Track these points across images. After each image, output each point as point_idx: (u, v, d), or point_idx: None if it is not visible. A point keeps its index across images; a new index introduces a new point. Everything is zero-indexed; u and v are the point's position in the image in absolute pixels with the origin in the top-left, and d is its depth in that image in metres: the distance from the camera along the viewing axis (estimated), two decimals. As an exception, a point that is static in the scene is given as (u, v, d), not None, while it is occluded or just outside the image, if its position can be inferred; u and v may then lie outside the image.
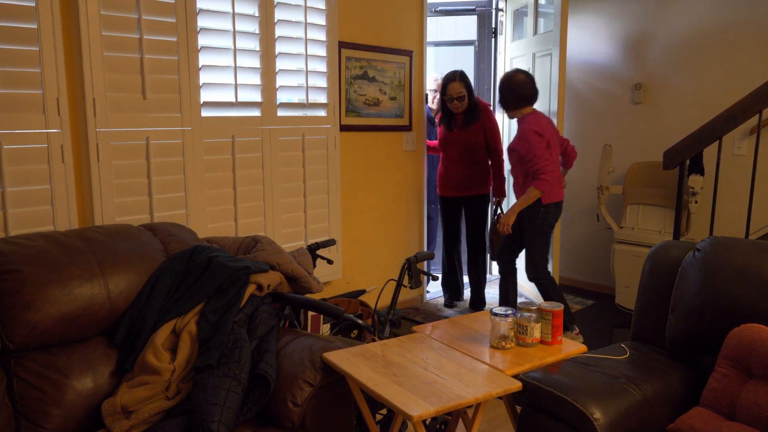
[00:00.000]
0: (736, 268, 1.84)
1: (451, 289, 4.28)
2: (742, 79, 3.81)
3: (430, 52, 4.28)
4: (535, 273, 3.51)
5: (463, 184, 4.01)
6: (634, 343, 2.12)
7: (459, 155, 3.98)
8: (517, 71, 3.51)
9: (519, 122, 3.47)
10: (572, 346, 2.00)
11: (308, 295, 2.36)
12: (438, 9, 4.67)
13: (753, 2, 3.79)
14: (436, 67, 4.74)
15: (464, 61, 4.67)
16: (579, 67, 4.66)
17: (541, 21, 4.22)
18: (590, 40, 4.60)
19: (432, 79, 4.53)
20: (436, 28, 4.88)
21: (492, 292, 4.42)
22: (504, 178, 4.02)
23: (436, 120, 4.31)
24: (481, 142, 3.93)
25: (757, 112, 3.01)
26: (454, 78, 3.88)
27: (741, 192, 3.84)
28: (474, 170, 3.99)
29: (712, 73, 4.01)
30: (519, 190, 3.57)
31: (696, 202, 3.79)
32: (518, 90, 3.45)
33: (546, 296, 3.56)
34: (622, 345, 2.05)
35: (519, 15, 4.58)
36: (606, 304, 4.30)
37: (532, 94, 3.46)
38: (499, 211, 4.03)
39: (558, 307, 1.99)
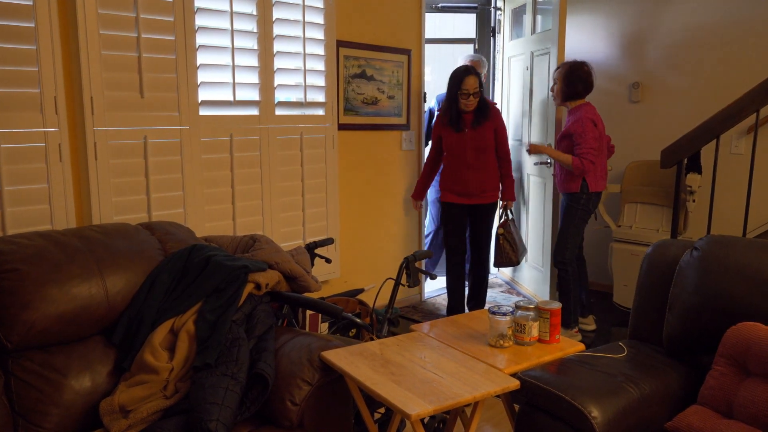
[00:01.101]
0: (733, 266, 1.84)
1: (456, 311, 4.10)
2: (740, 77, 3.82)
3: (429, 50, 4.27)
4: (563, 257, 3.56)
5: (475, 190, 3.68)
6: (632, 341, 2.12)
7: (471, 158, 3.65)
8: (583, 62, 3.55)
9: (574, 111, 3.53)
10: (570, 345, 2.00)
11: (306, 294, 2.36)
12: (439, 6, 4.67)
13: (749, 1, 3.80)
14: (435, 66, 4.73)
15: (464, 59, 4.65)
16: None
17: (539, 20, 4.22)
18: (588, 39, 4.60)
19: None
20: (435, 25, 4.88)
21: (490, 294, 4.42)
22: (513, 180, 3.80)
23: (440, 118, 3.82)
24: (492, 143, 3.66)
25: (755, 111, 3.02)
26: (470, 72, 3.58)
27: (738, 191, 3.84)
28: (487, 174, 3.68)
29: (710, 71, 4.01)
30: (561, 185, 3.63)
31: (693, 201, 3.80)
32: (588, 79, 3.53)
33: (561, 285, 3.60)
34: (620, 343, 2.05)
35: (517, 14, 4.58)
36: (604, 303, 4.31)
37: (593, 86, 3.58)
38: (507, 216, 3.85)
39: (556, 305, 2.00)
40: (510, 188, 3.78)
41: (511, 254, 3.86)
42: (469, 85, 3.55)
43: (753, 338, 1.65)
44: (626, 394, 1.73)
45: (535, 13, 4.28)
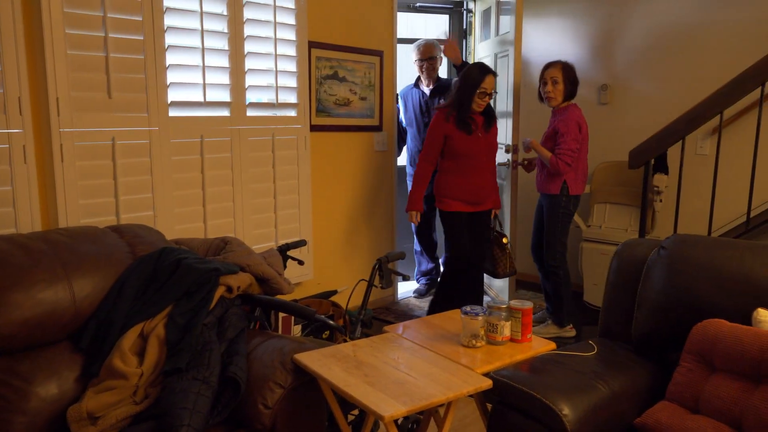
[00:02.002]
0: (699, 265, 1.88)
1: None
2: (705, 80, 3.90)
3: (401, 50, 4.28)
4: (554, 260, 3.58)
5: (485, 196, 3.51)
6: (602, 339, 2.16)
7: (483, 163, 3.45)
8: (570, 63, 3.58)
9: (562, 111, 3.53)
10: (541, 344, 2.02)
11: (279, 297, 2.35)
12: (416, 5, 4.69)
13: (714, 6, 3.89)
14: (407, 66, 4.74)
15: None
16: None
17: (504, 20, 4.25)
18: (557, 42, 4.66)
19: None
20: (407, 26, 4.89)
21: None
22: (498, 187, 3.71)
23: (442, 119, 3.44)
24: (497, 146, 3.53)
25: (719, 113, 3.09)
26: (489, 70, 3.37)
27: (704, 190, 3.93)
28: (492, 180, 3.55)
29: (676, 74, 4.09)
30: (541, 185, 3.63)
31: (661, 201, 3.87)
32: (576, 80, 3.57)
33: (554, 288, 3.64)
34: (590, 342, 2.08)
35: (486, 15, 4.62)
36: (575, 302, 4.36)
37: None
38: (497, 224, 3.72)
39: (528, 305, 2.02)
40: (498, 195, 3.69)
41: (514, 262, 3.74)
42: (489, 84, 3.34)
43: (718, 335, 1.69)
44: (596, 391, 1.75)
45: (498, 15, 4.33)
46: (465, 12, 4.83)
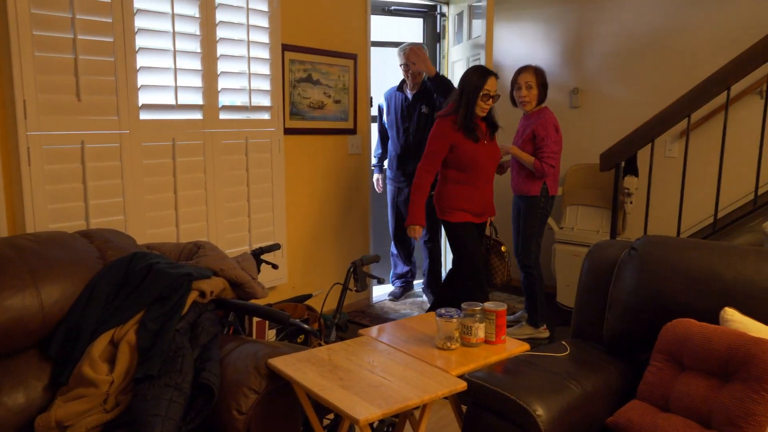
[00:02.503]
0: (668, 265, 1.91)
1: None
2: (673, 84, 3.98)
3: (375, 53, 4.29)
4: (528, 260, 3.61)
5: (488, 207, 3.43)
6: (575, 340, 2.18)
7: (488, 173, 3.35)
8: (541, 68, 3.61)
9: (536, 115, 3.55)
10: (515, 345, 2.04)
11: (253, 301, 2.33)
12: (391, 9, 4.69)
13: (682, 11, 3.97)
14: (381, 69, 4.75)
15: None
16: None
17: (477, 24, 4.29)
18: (529, 46, 4.71)
19: (400, 51, 4.11)
20: (381, 29, 4.89)
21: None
22: None
23: (449, 125, 3.23)
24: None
25: (686, 116, 3.15)
26: (490, 72, 3.26)
27: (673, 192, 4.00)
28: (491, 188, 3.45)
29: (645, 78, 4.17)
30: (518, 187, 3.64)
31: (631, 203, 3.93)
32: (547, 84, 3.60)
33: (528, 288, 3.66)
34: (563, 342, 2.10)
35: (459, 19, 4.66)
36: (548, 303, 4.40)
37: None
38: (493, 232, 3.65)
39: (501, 307, 2.03)
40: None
41: (510, 270, 3.64)
42: (492, 86, 3.21)
43: (687, 334, 1.72)
44: (569, 391, 1.77)
45: (471, 19, 4.36)
46: (438, 15, 4.85)
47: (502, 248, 3.52)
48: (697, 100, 3.08)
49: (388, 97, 4.30)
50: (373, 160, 4.48)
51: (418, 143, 4.03)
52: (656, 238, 2.06)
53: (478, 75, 3.22)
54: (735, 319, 1.71)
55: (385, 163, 4.48)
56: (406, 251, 4.52)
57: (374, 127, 4.46)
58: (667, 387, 1.72)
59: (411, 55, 3.99)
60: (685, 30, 3.96)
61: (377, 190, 4.55)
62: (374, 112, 4.40)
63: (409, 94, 4.14)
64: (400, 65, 4.12)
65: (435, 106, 4.01)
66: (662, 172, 4.04)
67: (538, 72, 3.56)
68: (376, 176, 4.55)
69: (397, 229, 4.41)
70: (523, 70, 3.59)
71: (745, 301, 1.75)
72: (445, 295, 3.50)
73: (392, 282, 4.64)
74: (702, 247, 1.93)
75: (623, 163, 3.51)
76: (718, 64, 3.13)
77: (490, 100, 3.22)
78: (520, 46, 4.78)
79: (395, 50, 4.18)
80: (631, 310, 1.96)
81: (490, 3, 3.90)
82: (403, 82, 4.21)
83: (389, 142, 4.32)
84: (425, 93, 4.10)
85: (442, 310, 2.00)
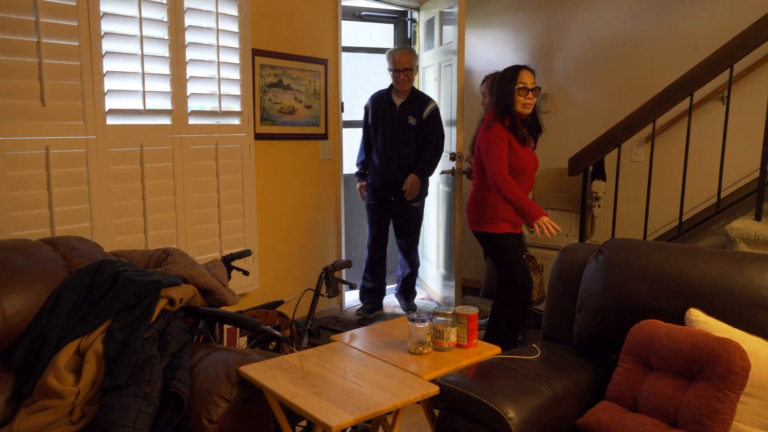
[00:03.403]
0: (635, 267, 1.95)
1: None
2: (640, 89, 4.05)
3: (346, 59, 4.29)
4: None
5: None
6: (546, 342, 2.20)
7: (530, 180, 3.11)
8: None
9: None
10: (487, 349, 2.05)
11: (223, 308, 2.31)
12: (360, 14, 4.70)
13: (648, 18, 4.06)
14: (352, 75, 4.75)
15: (382, 69, 4.70)
16: (489, 77, 4.77)
17: (448, 31, 4.32)
18: (499, 52, 4.76)
19: (389, 56, 3.95)
20: (352, 35, 4.90)
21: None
22: None
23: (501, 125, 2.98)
24: None
25: (651, 122, 3.22)
26: (523, 65, 3.05)
27: (639, 196, 4.07)
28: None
29: (613, 83, 4.24)
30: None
31: (599, 206, 3.99)
32: None
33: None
34: (534, 345, 2.12)
35: (430, 25, 4.69)
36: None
37: None
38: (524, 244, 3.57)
39: (473, 311, 2.04)
40: None
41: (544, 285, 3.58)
42: (527, 78, 2.96)
43: (654, 335, 1.75)
44: (540, 393, 1.79)
45: (441, 25, 4.40)
46: (409, 21, 4.88)
47: (538, 261, 3.48)
48: (661, 105, 3.14)
49: (375, 101, 4.08)
50: (355, 168, 4.24)
51: (402, 156, 3.94)
52: (623, 241, 2.09)
53: (510, 70, 3.03)
54: (700, 319, 1.75)
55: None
56: (380, 264, 4.23)
57: (356, 132, 4.44)
58: (635, 387, 1.75)
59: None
60: (650, 37, 4.05)
61: (361, 198, 4.24)
62: (359, 115, 4.30)
63: (397, 101, 3.98)
64: (389, 71, 3.95)
65: (423, 120, 3.91)
66: (629, 176, 4.11)
67: (484, 81, 3.74)
68: (359, 184, 4.22)
69: (375, 245, 4.17)
70: (485, 80, 3.77)
71: (710, 302, 1.79)
72: (502, 317, 3.21)
73: (361, 298, 4.32)
74: (668, 250, 1.97)
75: (591, 168, 3.56)
76: (683, 70, 3.20)
77: (530, 93, 2.95)
78: (490, 52, 4.83)
79: (366, 56, 4.19)
80: (600, 312, 1.99)
81: (462, 9, 3.93)
82: (391, 87, 4.03)
83: (374, 148, 4.08)
84: (414, 103, 3.96)
85: (414, 315, 2.00)
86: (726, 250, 2.02)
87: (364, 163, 4.19)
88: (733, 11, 3.67)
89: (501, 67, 3.98)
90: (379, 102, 4.06)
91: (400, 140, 3.96)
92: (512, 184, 2.85)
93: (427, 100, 4.00)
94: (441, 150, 4.02)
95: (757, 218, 2.90)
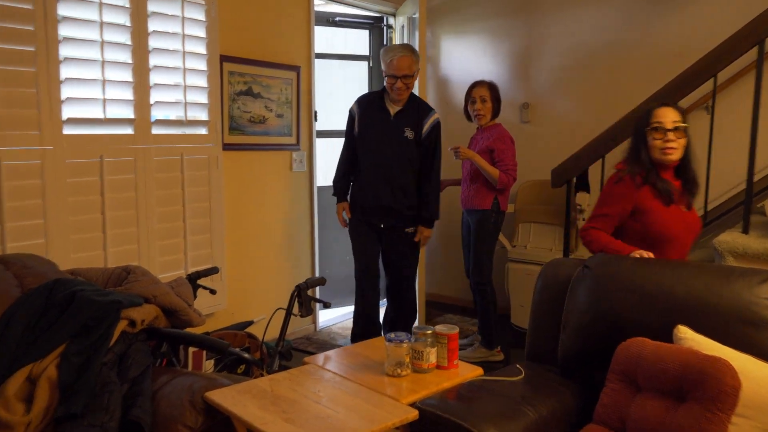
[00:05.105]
0: (621, 283, 1.96)
1: None
2: (623, 98, 4.10)
3: (319, 65, 4.29)
4: (481, 277, 3.68)
5: None
6: (529, 362, 2.20)
7: (684, 250, 2.40)
8: (494, 83, 3.77)
9: (490, 129, 3.72)
10: (468, 370, 2.04)
11: (189, 330, 2.27)
12: (335, 20, 4.71)
13: (631, 25, 4.13)
14: (326, 83, 4.75)
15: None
16: (466, 87, 4.74)
17: (418, 37, 4.34)
18: (477, 60, 4.80)
19: (385, 56, 3.44)
20: (326, 41, 4.91)
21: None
22: None
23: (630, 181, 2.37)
24: None
25: (636, 132, 3.26)
26: (663, 102, 2.48)
27: (624, 209, 4.12)
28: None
29: (595, 92, 4.30)
30: (469, 201, 3.71)
31: (584, 219, 4.03)
32: (500, 99, 3.77)
33: (482, 306, 3.72)
34: (518, 365, 2.12)
35: (404, 31, 4.72)
36: (502, 324, 4.45)
37: None
38: None
39: (453, 330, 2.03)
40: None
41: None
42: (665, 117, 2.34)
43: (641, 353, 1.76)
44: (524, 417, 1.78)
45: (411, 30, 4.46)
46: (385, 27, 4.90)
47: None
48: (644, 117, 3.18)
49: (364, 106, 3.58)
50: (332, 182, 3.69)
51: (396, 176, 3.47)
52: (609, 255, 2.11)
53: (645, 108, 2.53)
54: (688, 336, 1.76)
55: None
56: (374, 311, 3.70)
57: (331, 143, 4.41)
58: (623, 409, 1.75)
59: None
60: (633, 45, 4.12)
61: (342, 224, 3.69)
62: (333, 124, 4.15)
63: (391, 109, 3.50)
64: (384, 74, 3.43)
65: (422, 137, 3.47)
66: (613, 188, 4.15)
67: (492, 87, 3.73)
68: (340, 206, 3.65)
69: (366, 278, 3.63)
70: (477, 84, 3.76)
71: (698, 318, 1.80)
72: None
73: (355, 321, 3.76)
74: (654, 264, 1.99)
75: (575, 180, 3.60)
76: (666, 78, 3.26)
77: (668, 135, 2.31)
78: (467, 60, 4.86)
79: (341, 63, 4.17)
80: (585, 330, 1.99)
81: (422, 14, 3.98)
82: (384, 90, 3.54)
83: (362, 161, 3.57)
84: (412, 113, 3.50)
85: (392, 335, 1.99)
86: (714, 264, 2.05)
87: (345, 178, 3.65)
88: (717, 19, 3.76)
89: (479, 75, 4.04)
90: (369, 107, 3.56)
91: (394, 156, 3.47)
92: (599, 235, 2.36)
93: (428, 110, 3.53)
94: (434, 199, 3.57)
95: (745, 231, 2.94)
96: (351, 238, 3.66)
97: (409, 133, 3.47)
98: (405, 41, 4.56)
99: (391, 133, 3.48)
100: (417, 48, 3.86)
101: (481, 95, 3.69)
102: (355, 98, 3.66)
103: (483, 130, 3.74)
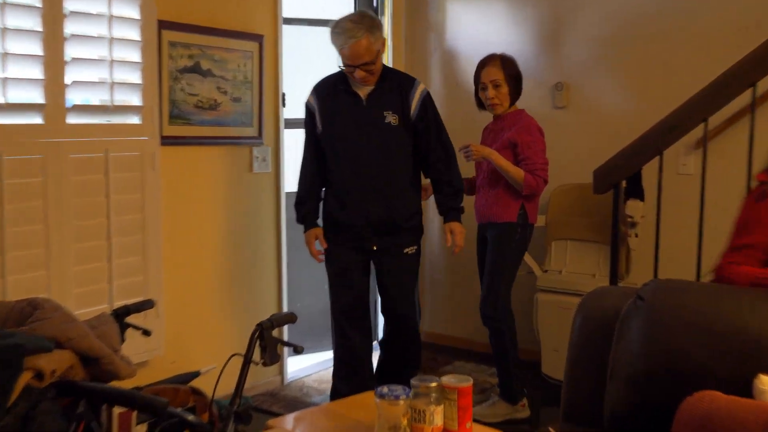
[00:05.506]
0: (686, 319, 1.96)
1: None
2: (686, 77, 4.12)
3: (288, 34, 4.28)
4: (495, 310, 3.67)
5: None
6: (567, 425, 2.20)
7: None
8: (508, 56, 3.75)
9: (511, 118, 3.74)
10: (486, 435, 2.04)
11: (114, 383, 2.27)
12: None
13: (692, -17, 4.16)
14: (297, 56, 4.76)
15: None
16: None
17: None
18: (495, 30, 4.80)
19: (335, 37, 3.39)
20: (298, 3, 4.91)
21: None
22: None
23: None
24: None
25: (702, 120, 3.27)
26: None
27: (691, 220, 4.12)
28: None
29: (650, 70, 4.31)
30: (488, 211, 3.73)
31: (636, 235, 4.03)
32: (519, 75, 3.75)
33: (498, 348, 3.72)
34: (551, 429, 2.12)
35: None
36: (529, 374, 4.43)
37: None
38: None
39: (465, 382, 2.03)
40: None
41: None
42: None
43: (712, 411, 1.76)
44: (560, 497, 1.78)
45: None
46: (376, -16, 4.94)
47: None
48: (715, 99, 3.20)
49: (324, 94, 3.60)
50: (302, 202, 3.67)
51: (383, 177, 3.49)
52: (670, 283, 2.11)
53: None
54: (773, 389, 1.77)
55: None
56: (367, 363, 3.78)
57: (302, 135, 4.43)
58: (689, 485, 1.75)
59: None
60: (698, 9, 4.14)
61: (316, 258, 3.68)
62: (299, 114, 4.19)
63: (362, 92, 3.50)
64: (340, 66, 3.46)
65: (412, 115, 3.48)
66: (675, 193, 4.15)
67: (505, 62, 3.69)
68: (311, 233, 3.64)
69: (350, 322, 3.66)
70: (485, 63, 3.72)
71: (786, 366, 1.81)
72: None
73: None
74: (730, 295, 1.99)
75: (624, 183, 3.61)
76: (742, 52, 3.28)
77: None
78: (481, 28, 4.88)
79: (316, 30, 4.16)
80: (639, 380, 1.99)
81: None
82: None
83: (330, 168, 3.61)
84: (390, 90, 3.51)
85: (385, 389, 1.98)
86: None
87: (313, 197, 3.67)
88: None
89: (496, 47, 4.04)
90: (331, 95, 3.57)
91: (377, 152, 3.48)
92: (746, 273, 2.24)
93: (410, 82, 3.55)
94: (461, 186, 3.68)
95: None
96: (330, 272, 3.68)
97: (391, 118, 3.47)
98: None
99: (368, 123, 3.48)
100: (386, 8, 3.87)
101: (492, 79, 3.66)
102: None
103: (501, 119, 3.75)
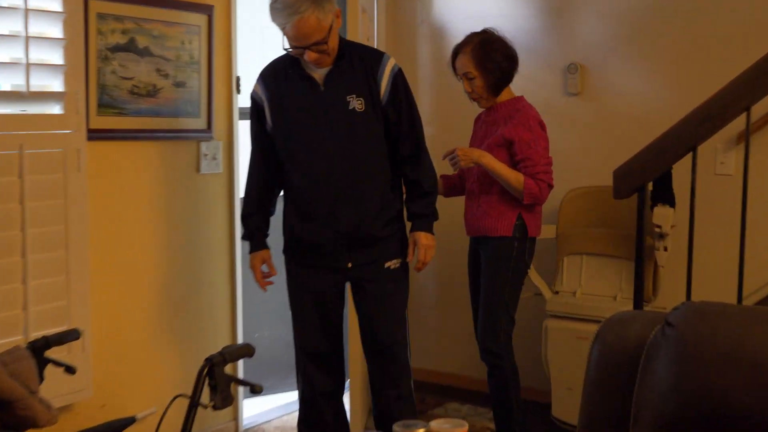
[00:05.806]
0: (722, 348, 1.99)
1: None
2: (723, 60, 4.16)
3: (244, 4, 4.29)
4: (494, 343, 3.71)
5: None
6: (581, 477, 2.23)
7: None
8: (495, 31, 3.77)
9: (504, 109, 3.75)
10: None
11: None
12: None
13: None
14: (254, 31, 4.77)
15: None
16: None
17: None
18: (491, 2, 4.84)
19: (276, 16, 3.32)
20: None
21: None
22: None
23: None
24: None
25: (744, 110, 3.30)
26: None
27: (731, 230, 4.16)
28: None
29: (681, 50, 4.35)
30: (481, 223, 3.75)
31: (666, 249, 4.05)
32: (504, 54, 3.74)
33: (497, 390, 3.76)
34: (563, 483, 2.15)
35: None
36: (537, 418, 4.45)
37: None
38: None
39: (460, 427, 2.05)
40: None
41: None
42: None
43: (756, 460, 1.79)
44: None
45: None
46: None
47: None
48: (760, 84, 3.23)
49: (272, 81, 3.57)
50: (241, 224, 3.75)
51: (354, 176, 3.47)
52: (704, 306, 2.14)
53: None
54: (827, 433, 1.80)
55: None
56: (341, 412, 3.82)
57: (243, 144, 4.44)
58: None
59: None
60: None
61: (261, 286, 3.73)
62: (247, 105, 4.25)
63: (317, 75, 3.46)
64: (287, 49, 3.45)
65: (382, 96, 3.45)
66: (712, 198, 4.19)
67: (476, 50, 3.68)
68: (257, 256, 3.67)
69: (321, 364, 3.67)
70: (458, 49, 3.77)
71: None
72: None
73: None
74: (772, 320, 2.02)
75: (651, 186, 3.63)
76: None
77: None
78: (480, 2, 4.91)
79: None
80: (668, 422, 2.02)
81: None
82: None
83: (285, 171, 3.60)
84: (352, 69, 3.47)
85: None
86: None
87: (261, 209, 3.69)
88: None
89: (494, 21, 4.04)
90: (281, 82, 3.54)
91: (342, 147, 3.47)
92: None
93: (377, 57, 3.54)
94: (433, 187, 3.65)
95: None
96: (292, 303, 3.69)
97: (356, 103, 3.43)
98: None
99: (328, 111, 3.45)
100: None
101: (464, 72, 3.70)
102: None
103: (494, 109, 3.79)
